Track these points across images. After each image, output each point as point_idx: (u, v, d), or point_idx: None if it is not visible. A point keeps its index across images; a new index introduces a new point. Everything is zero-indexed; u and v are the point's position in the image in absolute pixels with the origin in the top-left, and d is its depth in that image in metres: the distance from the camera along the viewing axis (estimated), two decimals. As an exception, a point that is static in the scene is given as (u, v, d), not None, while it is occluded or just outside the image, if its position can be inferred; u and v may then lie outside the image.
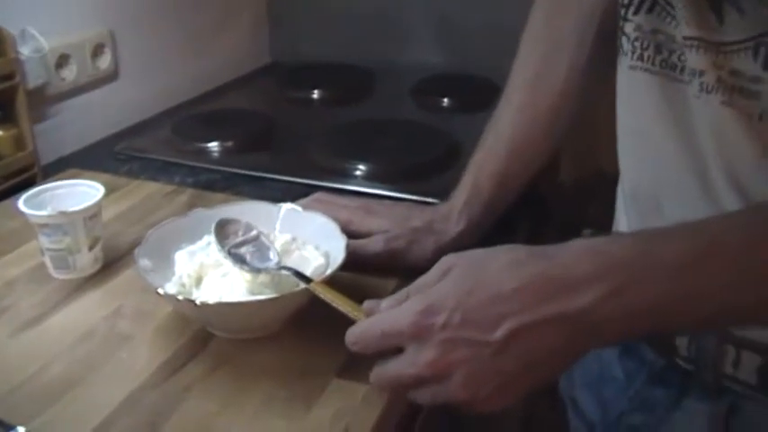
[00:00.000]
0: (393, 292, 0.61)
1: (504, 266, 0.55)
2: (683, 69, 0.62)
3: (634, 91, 0.69)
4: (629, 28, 0.68)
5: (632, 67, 0.68)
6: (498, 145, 0.85)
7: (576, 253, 0.54)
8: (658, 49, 0.64)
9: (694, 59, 0.61)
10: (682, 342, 0.69)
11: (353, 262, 0.76)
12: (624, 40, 0.69)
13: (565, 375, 0.89)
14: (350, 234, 0.78)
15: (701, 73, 0.60)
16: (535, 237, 1.08)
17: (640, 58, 0.67)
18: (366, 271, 0.80)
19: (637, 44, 0.67)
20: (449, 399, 0.56)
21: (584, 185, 2.00)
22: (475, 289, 0.54)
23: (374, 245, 0.80)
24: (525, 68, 0.85)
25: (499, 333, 0.53)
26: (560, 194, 1.61)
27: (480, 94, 1.47)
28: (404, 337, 0.56)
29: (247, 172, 1.13)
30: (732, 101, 0.59)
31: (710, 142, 0.62)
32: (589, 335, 0.53)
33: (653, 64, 0.65)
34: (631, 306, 0.52)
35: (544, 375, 0.55)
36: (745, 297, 0.52)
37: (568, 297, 0.52)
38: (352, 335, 0.59)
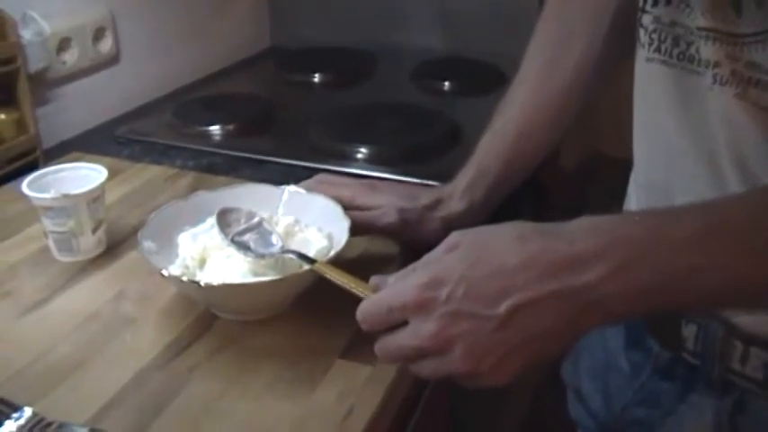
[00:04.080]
0: (399, 268, 0.61)
1: (509, 242, 0.55)
2: (699, 62, 0.62)
3: (650, 83, 0.69)
4: (646, 20, 0.67)
5: (649, 59, 0.67)
6: (506, 128, 0.85)
7: (582, 229, 0.54)
8: (676, 42, 0.64)
9: (708, 51, 0.60)
10: (689, 335, 0.69)
11: (365, 232, 0.79)
12: (642, 32, 0.68)
13: (570, 365, 0.89)
14: (355, 210, 0.79)
15: (716, 64, 0.60)
16: (536, 220, 1.08)
17: (657, 50, 0.66)
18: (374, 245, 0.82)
19: (654, 36, 0.66)
20: (450, 372, 0.56)
21: (584, 169, 2.00)
22: (479, 263, 0.55)
23: (388, 215, 0.81)
24: (538, 55, 0.85)
25: (502, 308, 0.53)
26: (561, 178, 1.61)
27: (481, 78, 1.47)
28: (408, 309, 0.56)
29: (249, 155, 1.14)
30: (746, 93, 0.58)
31: (722, 135, 0.61)
32: (593, 311, 0.53)
33: (670, 56, 0.65)
34: (636, 282, 0.52)
35: (546, 350, 0.55)
36: (750, 276, 0.52)
37: (573, 273, 0.52)
38: (360, 313, 0.59)
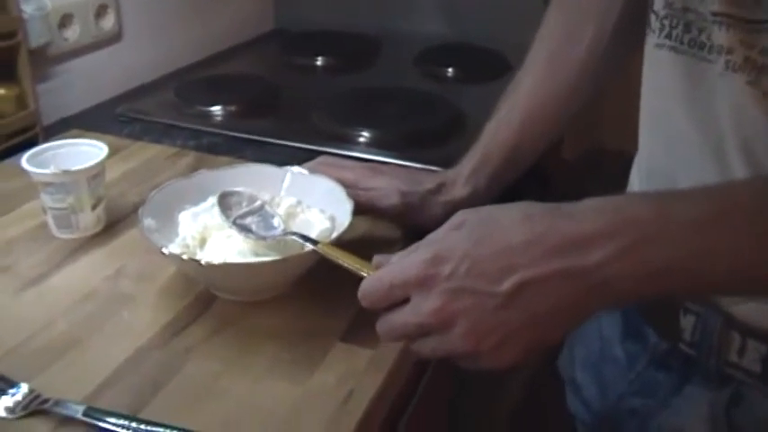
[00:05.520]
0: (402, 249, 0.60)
1: (515, 220, 0.54)
2: (710, 49, 0.61)
3: (659, 69, 0.68)
4: (658, 5, 0.66)
5: (659, 46, 0.66)
6: (512, 115, 0.85)
7: (590, 209, 0.53)
8: (687, 28, 0.63)
9: (722, 36, 0.59)
10: (686, 326, 0.68)
11: (366, 212, 0.79)
12: (653, 17, 0.67)
13: (566, 354, 0.89)
14: (359, 194, 0.79)
15: (729, 50, 0.59)
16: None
17: (668, 36, 0.65)
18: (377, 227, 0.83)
19: (666, 22, 0.65)
20: (450, 350, 0.55)
21: (586, 161, 1.99)
22: (485, 240, 0.54)
23: (390, 197, 0.81)
24: (546, 42, 0.85)
25: (506, 285, 0.52)
26: (563, 170, 1.60)
27: (484, 65, 1.46)
28: (410, 286, 0.55)
29: (250, 136, 1.13)
30: (759, 81, 0.57)
31: (730, 123, 0.60)
32: (597, 293, 0.52)
33: (681, 43, 0.64)
34: (643, 264, 0.51)
35: (549, 332, 0.54)
36: (759, 262, 0.51)
37: (579, 253, 0.51)
38: (361, 290, 0.58)
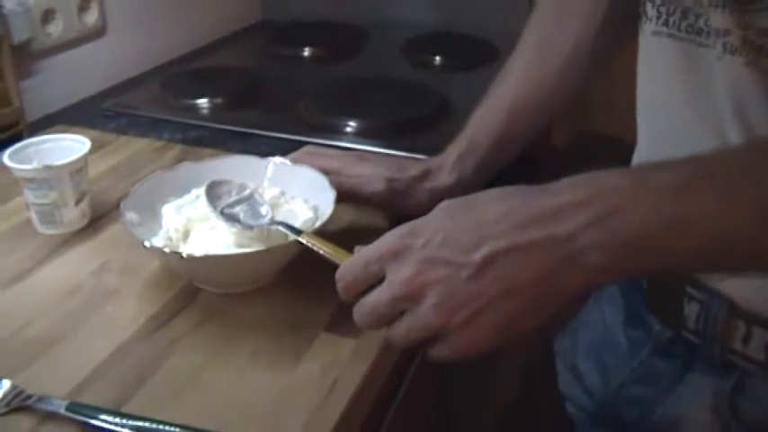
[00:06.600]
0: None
1: (493, 197, 0.54)
2: (708, 33, 0.60)
3: (656, 57, 0.67)
4: None
5: (656, 33, 0.66)
6: (500, 103, 0.84)
7: (567, 183, 0.53)
8: (684, 15, 0.63)
9: (719, 19, 0.59)
10: (690, 314, 0.67)
11: (351, 200, 0.79)
12: (649, 5, 0.67)
13: (568, 340, 0.88)
14: (342, 181, 0.79)
15: (726, 33, 0.58)
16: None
17: (665, 23, 0.65)
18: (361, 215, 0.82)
19: (662, 9, 0.65)
20: (423, 325, 0.53)
21: (577, 148, 1.99)
22: (460, 216, 0.54)
23: (374, 183, 0.80)
24: (536, 30, 0.85)
25: (478, 255, 0.51)
26: (553, 157, 1.60)
27: (472, 53, 1.46)
28: (385, 258, 0.55)
29: (237, 128, 1.12)
30: (757, 62, 0.57)
31: (730, 106, 0.60)
32: (570, 264, 0.51)
33: (678, 29, 0.63)
34: (617, 234, 0.50)
35: (524, 312, 0.53)
36: (737, 230, 0.50)
37: (552, 222, 0.51)
38: (338, 273, 0.58)
